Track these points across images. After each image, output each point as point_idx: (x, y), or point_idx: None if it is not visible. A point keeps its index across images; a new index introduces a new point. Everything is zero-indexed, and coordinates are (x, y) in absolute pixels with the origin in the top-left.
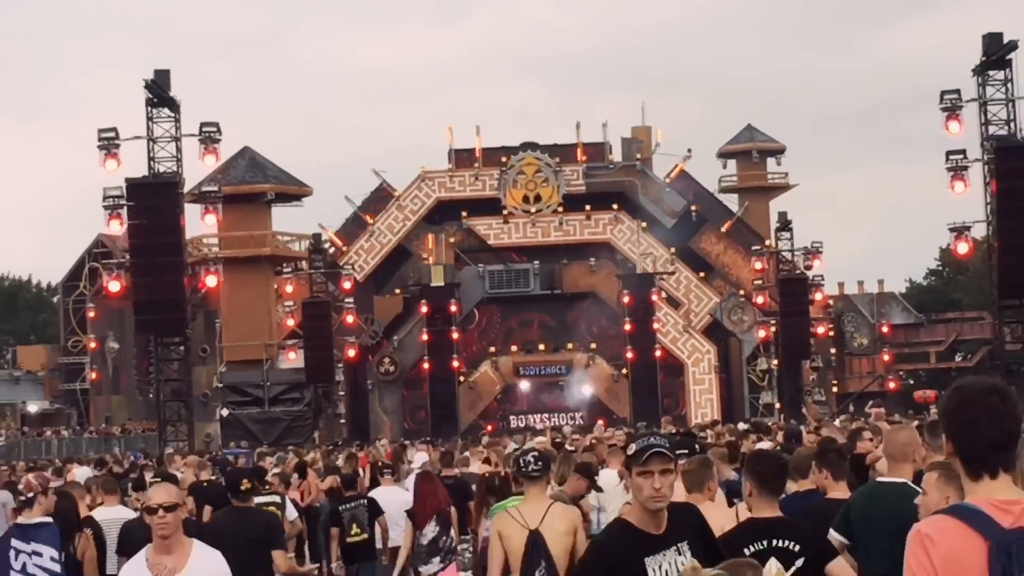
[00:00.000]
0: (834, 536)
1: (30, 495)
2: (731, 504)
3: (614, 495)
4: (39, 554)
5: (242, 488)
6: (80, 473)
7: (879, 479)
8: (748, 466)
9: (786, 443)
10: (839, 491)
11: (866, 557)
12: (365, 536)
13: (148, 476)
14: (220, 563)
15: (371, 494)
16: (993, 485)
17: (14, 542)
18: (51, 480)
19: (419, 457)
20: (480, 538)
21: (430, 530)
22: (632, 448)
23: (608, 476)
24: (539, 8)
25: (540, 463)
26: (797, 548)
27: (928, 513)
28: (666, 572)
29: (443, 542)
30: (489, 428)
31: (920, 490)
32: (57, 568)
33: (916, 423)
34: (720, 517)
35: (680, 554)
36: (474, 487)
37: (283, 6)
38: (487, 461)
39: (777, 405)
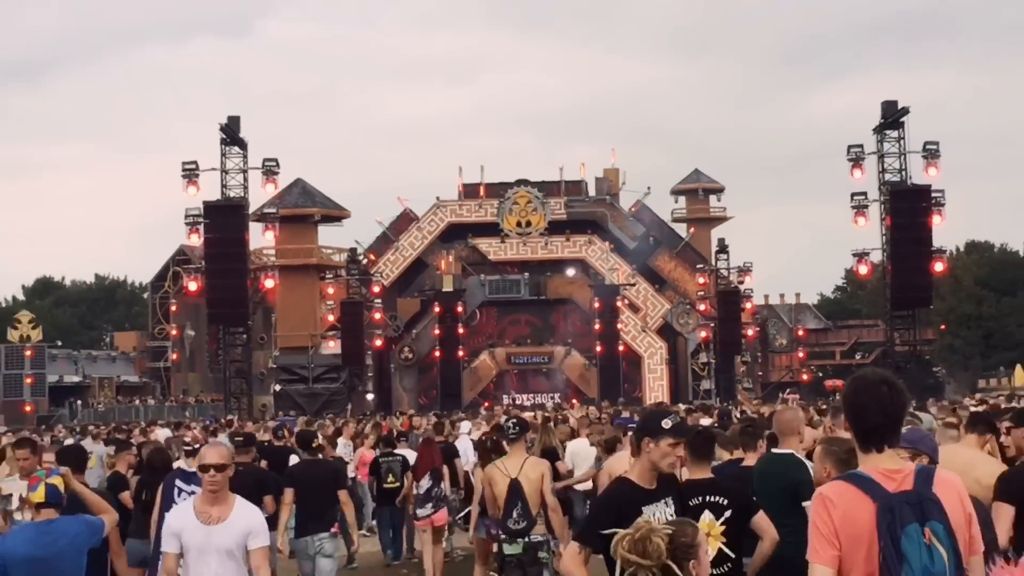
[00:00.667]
0: None
1: (196, 446)
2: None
3: (584, 457)
4: (196, 493)
5: (313, 445)
6: (161, 433)
7: (772, 450)
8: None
9: (720, 421)
10: (751, 460)
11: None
12: (397, 484)
13: (222, 436)
14: (258, 516)
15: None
16: (880, 457)
17: (178, 482)
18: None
19: (464, 425)
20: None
21: (425, 482)
22: (668, 423)
23: (579, 444)
24: (532, 75)
25: (518, 428)
26: (725, 502)
27: (817, 479)
28: (657, 518)
29: (435, 492)
30: (486, 404)
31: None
32: None
33: (824, 405)
34: None
35: (668, 506)
36: (461, 450)
37: (331, 69)
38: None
39: (714, 390)
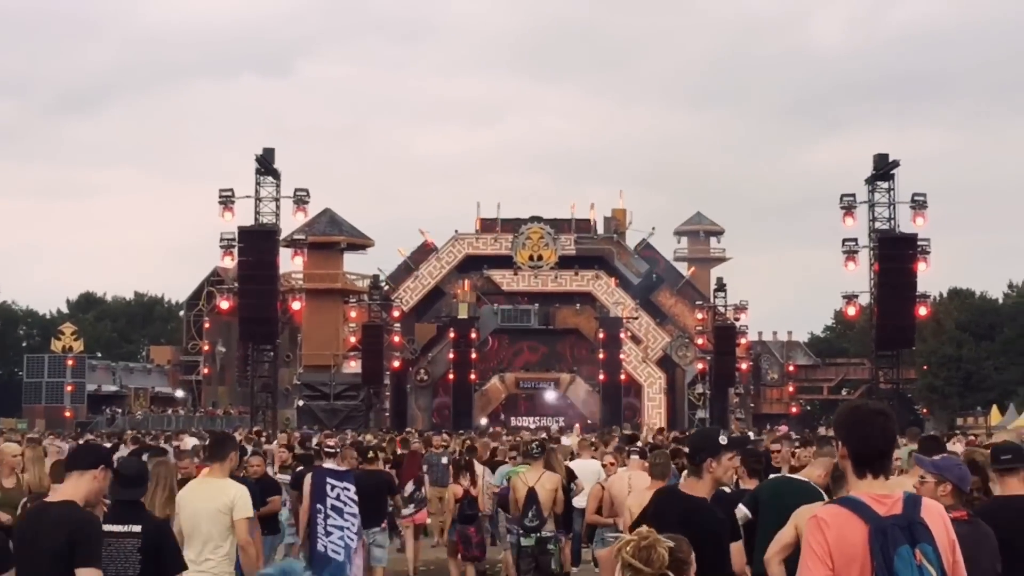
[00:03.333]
0: (741, 509)
1: (337, 449)
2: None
3: (587, 476)
4: (347, 489)
5: (369, 456)
6: (189, 441)
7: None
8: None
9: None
10: (750, 484)
11: (764, 528)
12: None
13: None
14: None
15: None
16: (873, 483)
17: (328, 479)
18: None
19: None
20: (489, 489)
21: (409, 487)
22: (724, 439)
23: (582, 463)
24: (549, 119)
25: (539, 449)
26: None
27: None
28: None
29: (416, 495)
30: (496, 428)
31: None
32: (355, 498)
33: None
34: None
35: None
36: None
37: (361, 107)
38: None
39: (708, 419)
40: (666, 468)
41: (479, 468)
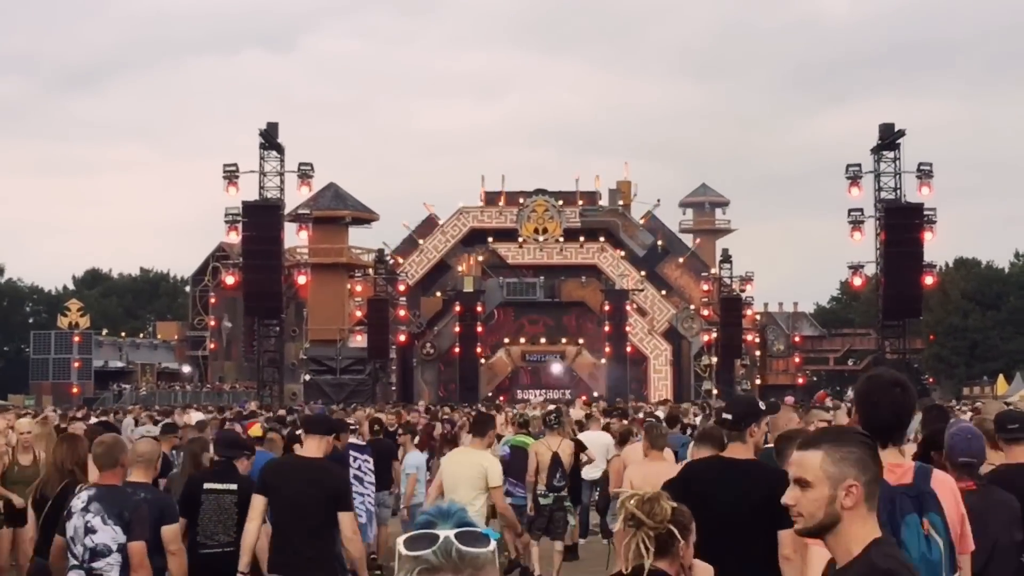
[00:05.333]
0: None
1: (356, 425)
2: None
3: (597, 448)
4: (367, 460)
5: (375, 428)
6: (195, 416)
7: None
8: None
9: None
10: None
11: None
12: None
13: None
14: None
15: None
16: (885, 453)
17: (351, 451)
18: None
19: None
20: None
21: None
22: (763, 405)
23: (592, 435)
24: (554, 92)
25: (559, 420)
26: None
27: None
28: None
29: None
30: (502, 398)
31: None
32: (373, 469)
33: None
34: (666, 467)
35: None
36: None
37: (366, 82)
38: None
39: (715, 391)
40: (665, 440)
41: None
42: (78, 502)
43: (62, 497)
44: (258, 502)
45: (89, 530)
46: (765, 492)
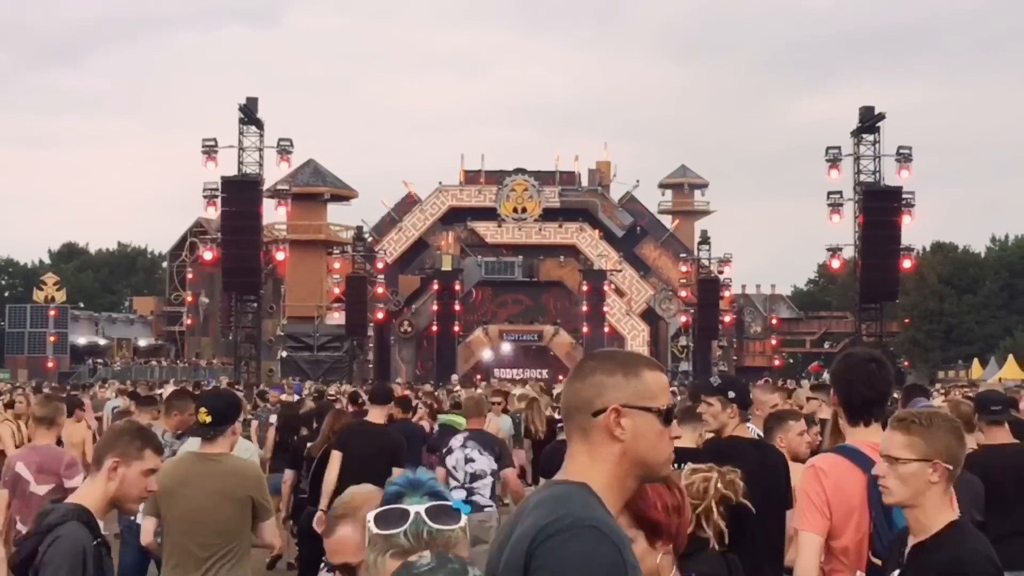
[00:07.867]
0: None
1: (339, 397)
2: None
3: None
4: None
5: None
6: (170, 390)
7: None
8: None
9: (692, 400)
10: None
11: None
12: None
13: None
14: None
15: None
16: (867, 431)
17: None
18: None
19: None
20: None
21: None
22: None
23: None
24: (535, 72)
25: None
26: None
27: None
28: None
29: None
30: (479, 377)
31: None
32: None
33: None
34: None
35: None
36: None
37: (346, 59)
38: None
39: (691, 372)
40: None
41: None
42: (455, 442)
43: (324, 456)
44: (336, 456)
45: (468, 460)
46: (782, 471)
